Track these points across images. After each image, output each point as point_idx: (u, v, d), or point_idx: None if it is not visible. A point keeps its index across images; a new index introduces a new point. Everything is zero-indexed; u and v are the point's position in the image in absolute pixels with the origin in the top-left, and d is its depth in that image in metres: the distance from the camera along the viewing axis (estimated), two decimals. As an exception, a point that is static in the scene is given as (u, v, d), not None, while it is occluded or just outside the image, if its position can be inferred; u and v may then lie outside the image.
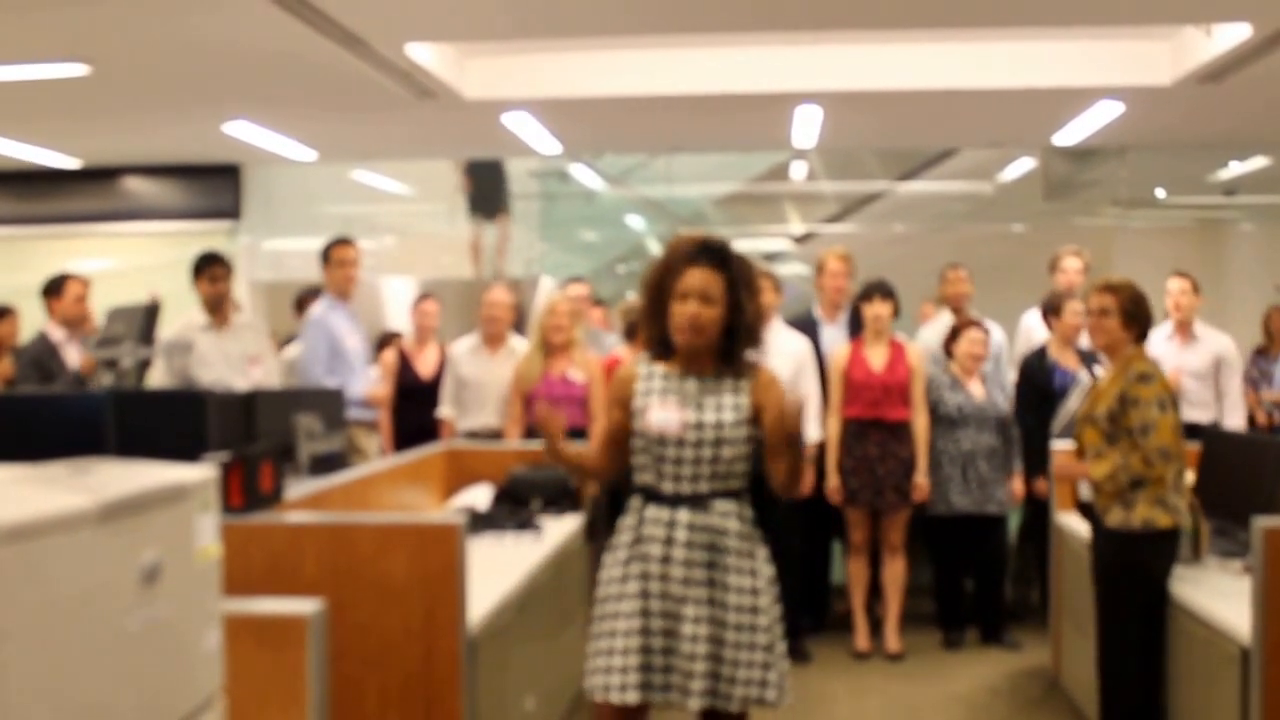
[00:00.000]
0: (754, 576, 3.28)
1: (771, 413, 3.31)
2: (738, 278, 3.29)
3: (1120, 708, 4.21)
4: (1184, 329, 6.70)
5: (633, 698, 3.20)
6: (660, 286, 3.31)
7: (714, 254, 3.29)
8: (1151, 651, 4.13)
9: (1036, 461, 6.24)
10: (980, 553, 6.36)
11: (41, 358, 6.34)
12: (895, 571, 6.27)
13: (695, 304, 3.24)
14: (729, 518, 3.28)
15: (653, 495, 3.32)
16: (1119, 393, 4.15)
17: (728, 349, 3.32)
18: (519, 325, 6.93)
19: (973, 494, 6.18)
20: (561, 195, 12.24)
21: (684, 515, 3.26)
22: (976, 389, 6.26)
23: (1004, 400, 6.32)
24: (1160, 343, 6.56)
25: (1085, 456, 4.32)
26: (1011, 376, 6.70)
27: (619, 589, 3.29)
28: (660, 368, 3.37)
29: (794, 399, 3.24)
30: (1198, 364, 6.63)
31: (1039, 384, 6.42)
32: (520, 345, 6.48)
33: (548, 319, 6.08)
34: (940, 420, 6.20)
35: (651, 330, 3.37)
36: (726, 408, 3.29)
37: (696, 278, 3.25)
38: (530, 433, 6.06)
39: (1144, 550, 4.11)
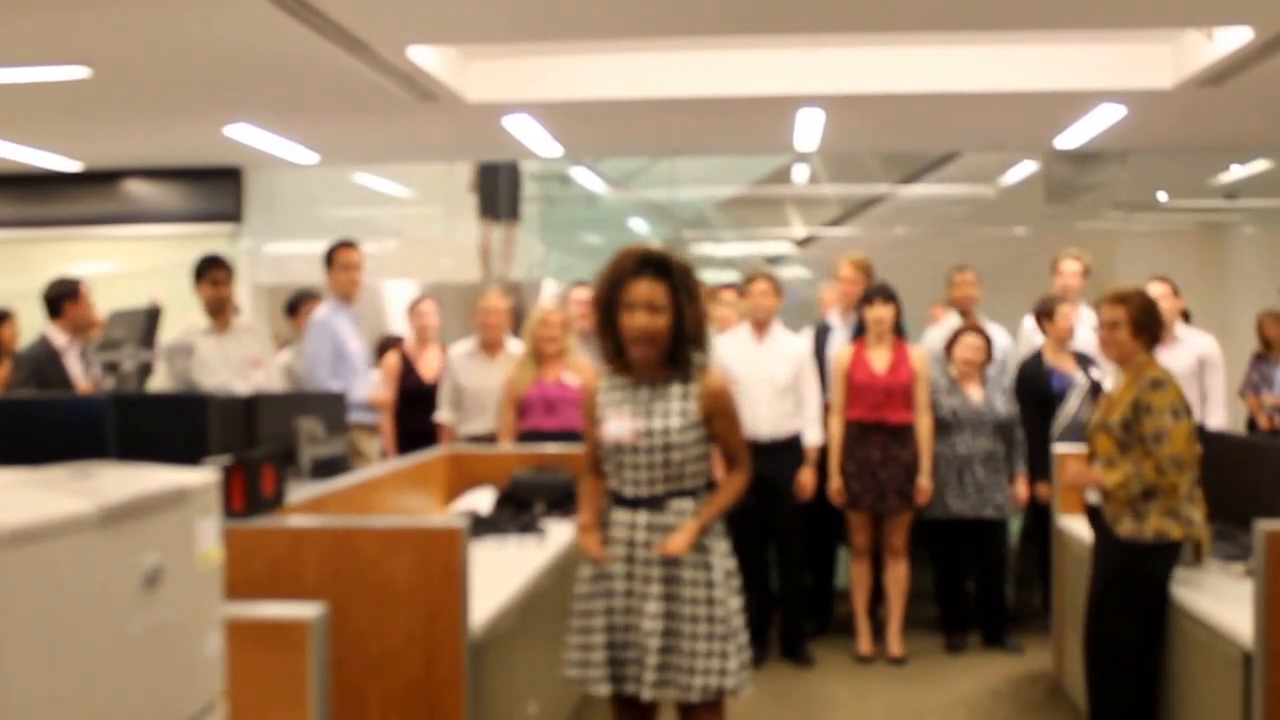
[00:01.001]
0: (709, 570, 3.50)
1: (720, 419, 3.57)
2: (679, 285, 3.51)
3: (1112, 712, 4.20)
4: (1166, 331, 6.67)
5: (604, 690, 3.51)
6: (609, 301, 3.54)
7: (656, 265, 3.51)
8: (1145, 658, 4.13)
9: (1037, 465, 6.25)
10: (980, 557, 6.36)
11: (42, 364, 6.32)
12: (898, 575, 6.26)
13: (644, 314, 3.47)
14: (684, 515, 3.52)
15: (618, 499, 3.59)
16: (1132, 400, 4.14)
17: (674, 353, 3.54)
18: (518, 328, 6.92)
19: (969, 498, 6.17)
20: (563, 198, 12.24)
21: (643, 516, 3.53)
22: (974, 392, 6.25)
23: (1004, 404, 6.30)
24: None
25: (1096, 463, 4.30)
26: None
27: (591, 587, 3.56)
28: (619, 379, 3.62)
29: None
30: (1181, 367, 6.60)
31: (1036, 388, 6.43)
32: (519, 349, 6.47)
33: (540, 330, 6.07)
34: (936, 424, 6.19)
35: (606, 343, 3.61)
36: (674, 414, 3.52)
37: (642, 289, 3.48)
38: (523, 439, 6.06)
39: (1153, 561, 4.10)
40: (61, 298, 6.51)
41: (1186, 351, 6.64)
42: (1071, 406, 6.35)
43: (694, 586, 3.46)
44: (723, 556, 3.55)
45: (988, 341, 6.36)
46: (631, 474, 3.52)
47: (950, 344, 6.38)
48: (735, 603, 3.52)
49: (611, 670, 3.50)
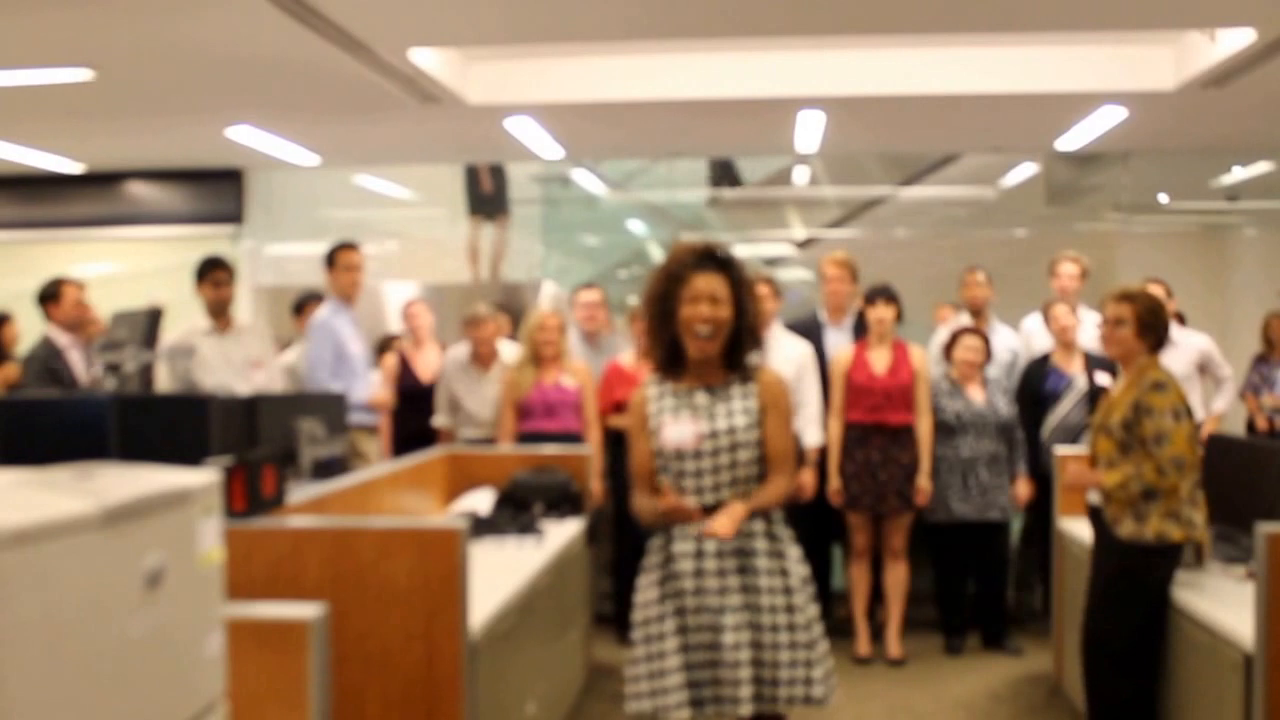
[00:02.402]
0: (785, 576, 3.34)
1: (773, 414, 3.38)
2: (740, 280, 3.36)
3: (1110, 715, 4.20)
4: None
5: (685, 715, 3.25)
6: (666, 295, 3.36)
7: (717, 259, 3.36)
8: (1145, 661, 4.13)
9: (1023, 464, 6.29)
10: (983, 559, 6.35)
11: (49, 362, 6.35)
12: (897, 577, 6.26)
13: (707, 305, 3.30)
14: (754, 521, 3.34)
15: None
16: (1133, 402, 4.13)
17: (733, 353, 3.38)
18: (515, 331, 6.96)
19: (973, 501, 6.16)
20: (563, 200, 12.25)
21: None
22: (976, 394, 6.24)
23: (1006, 405, 6.29)
24: None
25: (1098, 465, 4.30)
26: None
27: (657, 610, 3.35)
28: (670, 385, 3.43)
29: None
30: (1180, 368, 6.63)
31: (1031, 388, 6.45)
32: (512, 353, 6.50)
33: (538, 334, 6.12)
34: (939, 427, 6.19)
35: (659, 341, 3.41)
36: (738, 413, 3.35)
37: (704, 281, 3.32)
38: (523, 441, 6.08)
39: (1153, 563, 4.09)
40: (43, 300, 6.57)
41: (1183, 352, 6.66)
42: (1063, 408, 6.37)
43: (772, 595, 3.30)
44: (797, 562, 3.38)
45: (986, 341, 6.35)
46: (694, 482, 3.33)
47: (949, 346, 6.38)
48: (813, 609, 3.37)
49: (690, 693, 3.28)
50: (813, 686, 3.29)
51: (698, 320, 3.30)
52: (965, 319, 7.00)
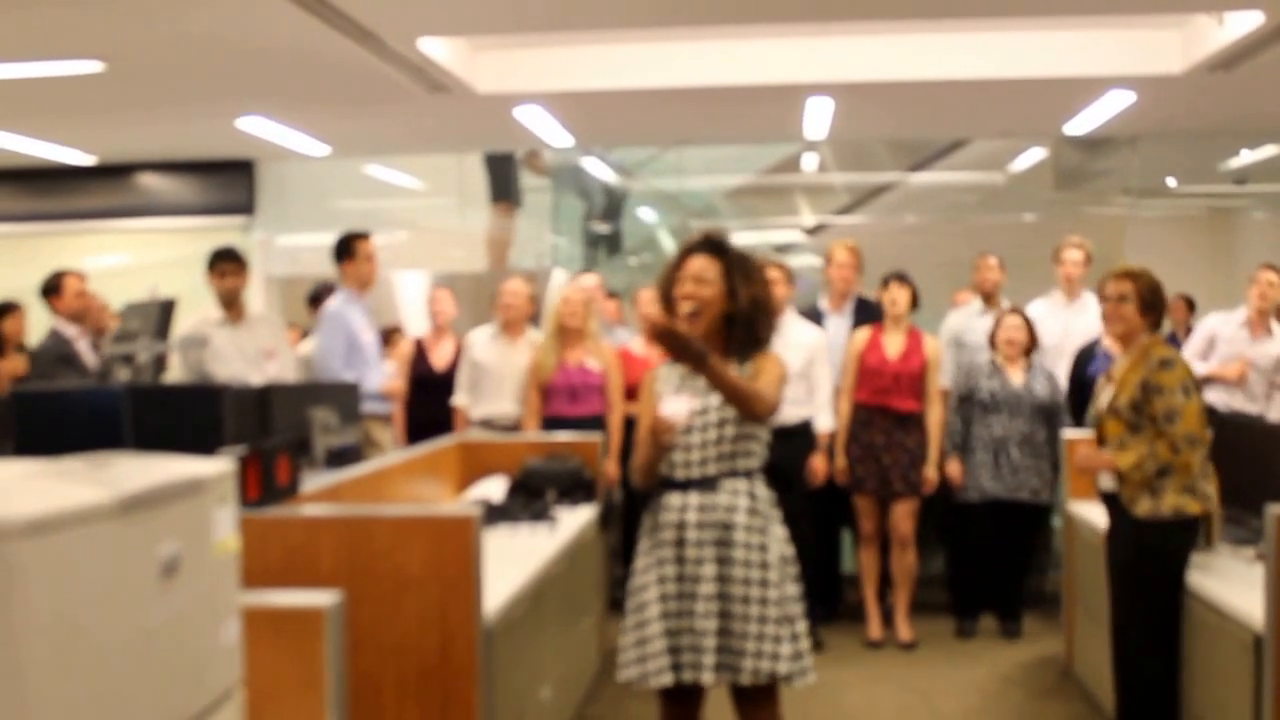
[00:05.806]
0: (763, 552, 3.46)
1: (760, 375, 3.51)
2: (733, 264, 3.54)
3: (1139, 696, 4.20)
4: (1262, 320, 6.60)
5: (667, 679, 3.40)
6: (668, 281, 3.60)
7: (711, 244, 3.59)
8: (1170, 639, 4.13)
9: None
10: (1010, 541, 6.32)
11: (62, 353, 6.38)
12: (904, 563, 6.27)
13: (690, 284, 3.51)
14: (738, 496, 3.48)
15: (668, 483, 3.53)
16: (1141, 381, 4.13)
17: (731, 337, 3.55)
18: (535, 318, 6.95)
19: (1004, 480, 6.15)
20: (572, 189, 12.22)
21: (694, 498, 3.48)
22: (1016, 376, 6.23)
23: (1046, 388, 6.27)
24: (1231, 327, 6.55)
25: (1107, 447, 4.30)
26: (1061, 365, 6.65)
27: (642, 579, 3.51)
28: (679, 368, 3.56)
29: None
30: (1265, 358, 6.56)
31: (1076, 374, 6.43)
32: (538, 337, 6.51)
33: (562, 307, 6.16)
34: (975, 405, 6.19)
35: None
36: None
37: (693, 264, 3.55)
38: (545, 425, 6.10)
39: (1173, 538, 4.09)
40: (46, 294, 6.61)
41: (1275, 346, 6.56)
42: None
43: (746, 567, 3.42)
44: (779, 541, 3.51)
45: (1029, 323, 6.34)
46: (683, 455, 3.50)
47: (994, 329, 6.35)
48: (792, 589, 3.48)
49: (671, 659, 3.43)
50: (779, 662, 3.39)
51: (681, 298, 3.53)
52: (978, 303, 7.01)
